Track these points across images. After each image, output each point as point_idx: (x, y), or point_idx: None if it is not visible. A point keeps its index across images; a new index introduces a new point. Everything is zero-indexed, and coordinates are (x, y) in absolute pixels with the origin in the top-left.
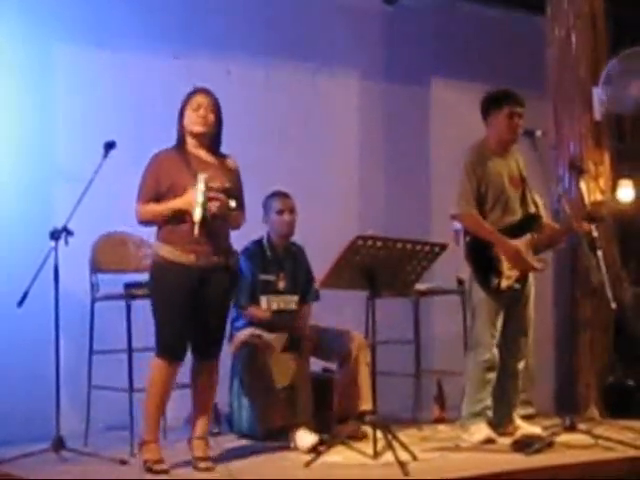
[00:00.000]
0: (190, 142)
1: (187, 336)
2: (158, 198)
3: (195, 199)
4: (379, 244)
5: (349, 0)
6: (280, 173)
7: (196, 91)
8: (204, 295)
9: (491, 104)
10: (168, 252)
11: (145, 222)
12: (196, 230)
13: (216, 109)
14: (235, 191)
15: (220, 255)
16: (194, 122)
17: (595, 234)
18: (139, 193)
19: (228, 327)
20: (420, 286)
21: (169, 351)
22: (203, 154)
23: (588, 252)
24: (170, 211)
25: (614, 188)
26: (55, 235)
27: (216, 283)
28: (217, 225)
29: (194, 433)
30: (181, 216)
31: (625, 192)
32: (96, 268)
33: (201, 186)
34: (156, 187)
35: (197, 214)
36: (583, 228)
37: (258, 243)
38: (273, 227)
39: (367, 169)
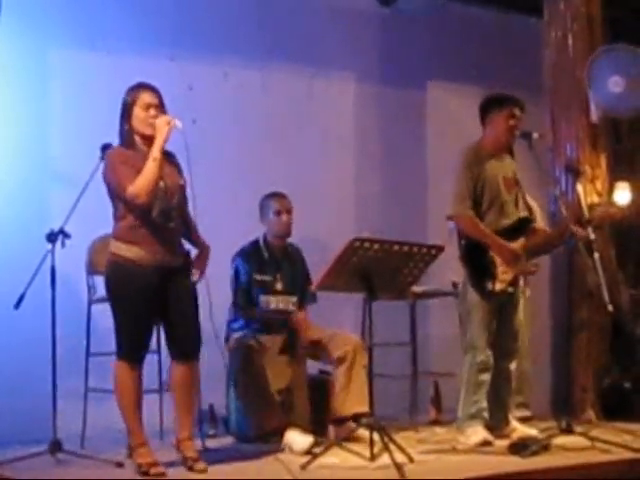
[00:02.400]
0: (138, 140)
1: (149, 337)
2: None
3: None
4: (376, 246)
5: (345, 3)
6: (276, 176)
7: (142, 87)
8: (168, 295)
9: (493, 104)
10: (129, 251)
11: (144, 192)
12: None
13: (163, 106)
14: (185, 189)
15: (178, 255)
16: (146, 124)
17: (592, 237)
18: (120, 184)
19: (224, 328)
20: (417, 288)
21: (130, 353)
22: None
23: (585, 255)
24: (159, 152)
25: (611, 190)
26: (52, 237)
27: (178, 283)
28: (173, 227)
29: (181, 434)
30: (141, 216)
31: (622, 194)
32: (93, 270)
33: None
34: (130, 176)
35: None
36: (577, 232)
37: (254, 244)
38: (270, 228)
39: (363, 172)
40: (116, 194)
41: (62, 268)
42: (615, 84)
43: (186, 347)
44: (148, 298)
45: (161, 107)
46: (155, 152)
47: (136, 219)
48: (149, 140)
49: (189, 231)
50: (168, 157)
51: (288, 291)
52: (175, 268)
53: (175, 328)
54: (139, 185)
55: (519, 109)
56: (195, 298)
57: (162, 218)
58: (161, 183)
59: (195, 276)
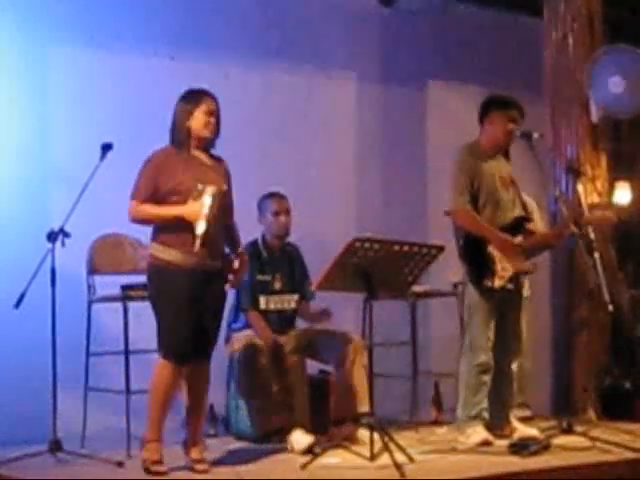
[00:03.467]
0: (192, 144)
1: (191, 339)
2: (156, 198)
3: (201, 212)
4: (376, 246)
5: (346, 2)
6: (277, 175)
7: (206, 94)
8: (204, 298)
9: (494, 105)
10: (171, 255)
11: (139, 221)
12: (197, 244)
13: (219, 115)
14: (230, 193)
15: (218, 259)
16: (205, 127)
17: (592, 236)
18: (136, 190)
19: (225, 328)
20: (417, 288)
21: (176, 355)
22: (202, 156)
23: (585, 254)
24: (172, 217)
25: (611, 190)
26: (52, 237)
27: (215, 286)
28: (212, 231)
29: (190, 435)
30: (182, 221)
31: (622, 194)
32: (93, 270)
33: (208, 200)
34: (155, 186)
35: (200, 227)
36: (574, 232)
37: (254, 244)
38: (269, 228)
39: (364, 171)
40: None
41: (62, 268)
42: (615, 85)
43: (206, 349)
44: (189, 299)
45: (219, 116)
46: (169, 213)
47: (175, 222)
48: (201, 142)
49: (231, 238)
50: (216, 162)
51: (287, 290)
52: (213, 271)
53: (203, 330)
54: (139, 210)
55: (521, 115)
56: (224, 302)
57: (204, 233)
58: (199, 186)
59: (230, 284)
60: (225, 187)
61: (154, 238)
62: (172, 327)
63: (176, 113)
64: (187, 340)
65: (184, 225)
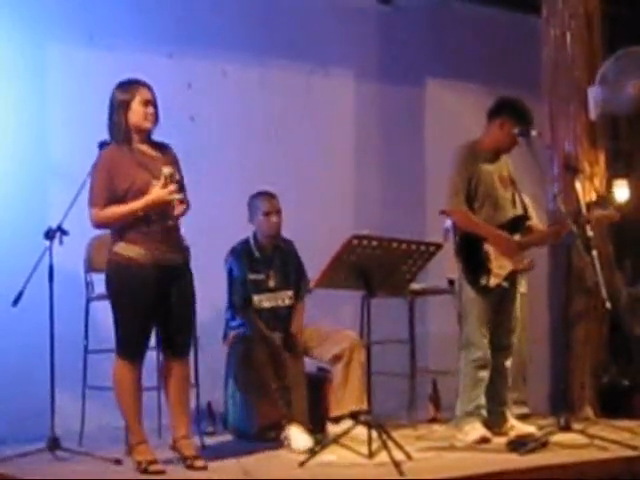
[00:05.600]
0: (134, 137)
1: (148, 336)
2: (115, 201)
3: (165, 189)
4: (374, 244)
5: (344, 0)
6: (275, 173)
7: (138, 83)
8: (169, 293)
9: (511, 112)
10: (134, 252)
11: (105, 225)
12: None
13: (156, 104)
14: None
15: (178, 252)
16: (145, 119)
17: (590, 234)
18: (93, 196)
19: (223, 327)
20: (415, 286)
21: (131, 352)
22: (146, 148)
23: (583, 252)
24: (140, 210)
25: (609, 188)
26: (50, 234)
27: (179, 280)
28: (172, 224)
29: (178, 433)
30: (141, 216)
31: (620, 192)
32: (91, 267)
33: (167, 171)
34: (111, 188)
35: (174, 197)
36: (572, 229)
37: (245, 243)
38: (260, 228)
39: (362, 169)
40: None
41: (60, 265)
42: (634, 87)
43: (182, 344)
44: (149, 297)
45: (155, 104)
46: (137, 206)
47: (134, 218)
48: (142, 133)
49: None
50: (162, 150)
51: (281, 287)
52: (176, 265)
53: (173, 325)
54: (103, 216)
55: (530, 128)
56: (194, 295)
57: (159, 216)
58: (154, 182)
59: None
60: (177, 176)
61: (117, 237)
62: (126, 324)
63: (112, 109)
64: (144, 337)
65: (143, 220)
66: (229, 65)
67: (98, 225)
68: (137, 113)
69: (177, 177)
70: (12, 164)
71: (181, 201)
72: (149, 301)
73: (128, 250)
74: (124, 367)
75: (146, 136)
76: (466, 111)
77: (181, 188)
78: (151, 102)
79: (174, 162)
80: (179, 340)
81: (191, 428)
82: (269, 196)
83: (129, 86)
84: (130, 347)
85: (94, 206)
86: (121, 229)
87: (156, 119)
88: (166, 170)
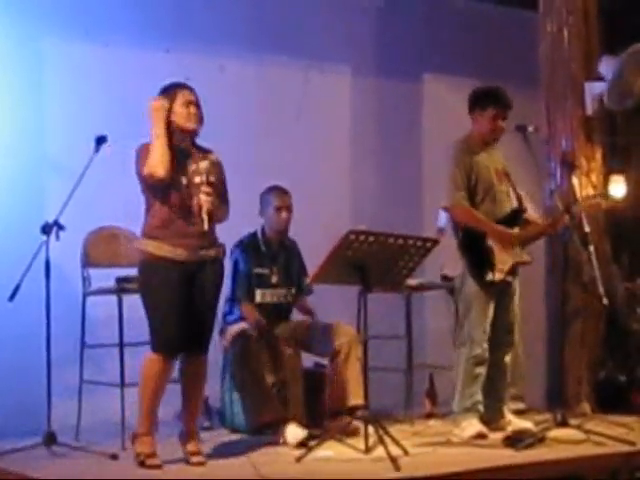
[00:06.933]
0: (177, 136)
1: (182, 332)
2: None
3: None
4: (371, 239)
5: None
6: (272, 169)
7: (181, 86)
8: (195, 290)
9: (477, 103)
10: (156, 248)
11: (162, 163)
12: (206, 223)
13: (199, 104)
14: (220, 185)
15: (208, 248)
16: (187, 119)
17: (587, 229)
18: (142, 168)
19: (220, 320)
20: (412, 281)
21: (166, 348)
22: (188, 149)
23: (580, 247)
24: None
25: (606, 183)
26: (46, 229)
27: (206, 277)
28: (202, 220)
29: (185, 428)
30: (170, 212)
31: (617, 187)
32: (88, 262)
33: (204, 165)
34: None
35: (205, 207)
36: (568, 223)
37: (253, 236)
38: (269, 223)
39: (359, 164)
40: (143, 183)
41: (57, 260)
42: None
43: (203, 341)
44: (180, 292)
45: (200, 106)
46: (156, 130)
47: (165, 216)
48: (184, 134)
49: None
50: (203, 153)
51: (283, 284)
52: (206, 260)
53: (197, 322)
54: (151, 162)
55: (505, 108)
56: (219, 292)
57: (186, 213)
58: (184, 180)
59: None
60: (212, 178)
61: (142, 232)
62: (162, 320)
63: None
64: (177, 333)
65: (175, 217)
66: (226, 60)
67: (155, 172)
68: (179, 114)
69: (212, 179)
70: (8, 158)
71: (213, 204)
72: (180, 298)
73: (155, 248)
74: (157, 362)
75: (191, 137)
76: (463, 106)
77: (217, 193)
78: (193, 103)
79: (215, 165)
80: (200, 337)
81: (198, 424)
82: (282, 192)
83: (170, 88)
84: (165, 344)
85: (142, 167)
86: (151, 225)
87: (201, 120)
88: (202, 165)
